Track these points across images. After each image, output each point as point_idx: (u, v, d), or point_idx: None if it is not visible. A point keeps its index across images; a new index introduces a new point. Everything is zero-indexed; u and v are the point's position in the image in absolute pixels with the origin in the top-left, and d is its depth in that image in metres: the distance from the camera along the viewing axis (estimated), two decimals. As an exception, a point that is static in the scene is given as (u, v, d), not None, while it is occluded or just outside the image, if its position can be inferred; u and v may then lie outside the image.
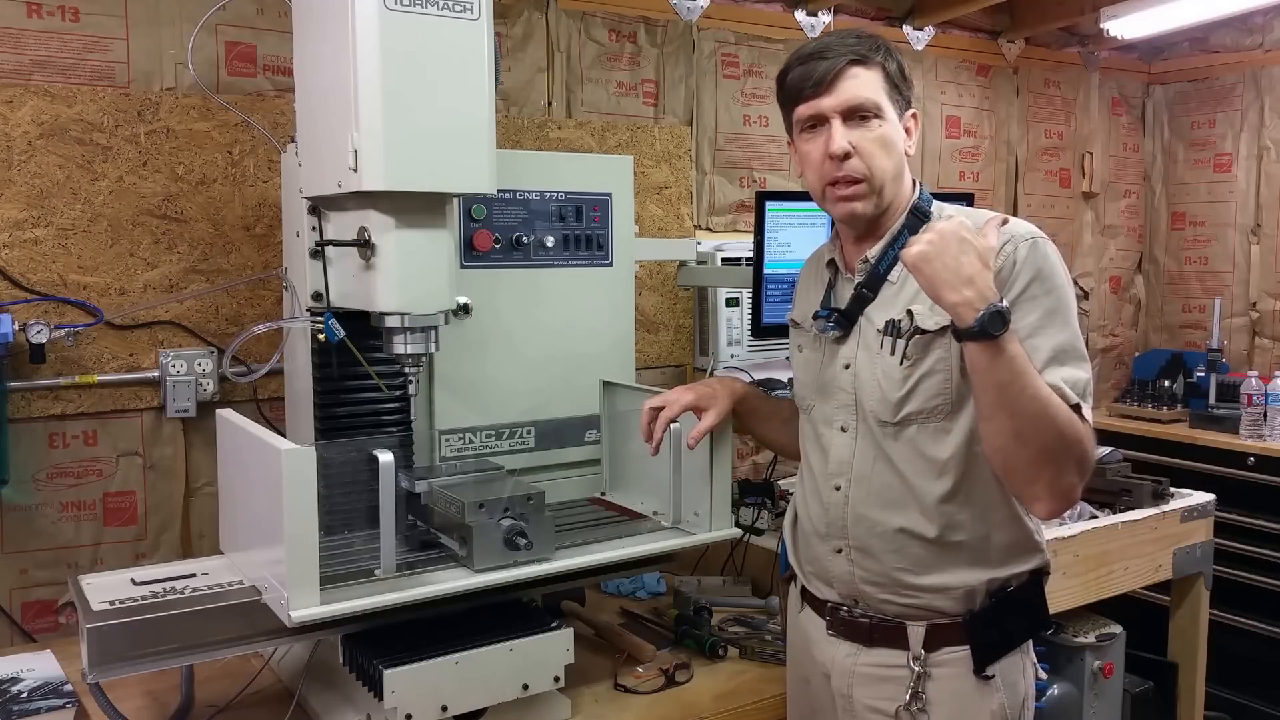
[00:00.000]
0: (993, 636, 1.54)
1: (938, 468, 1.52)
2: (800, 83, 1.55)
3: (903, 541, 1.54)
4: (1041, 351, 1.44)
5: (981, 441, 1.46)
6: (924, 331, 1.50)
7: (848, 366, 1.59)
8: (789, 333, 1.80)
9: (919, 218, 1.58)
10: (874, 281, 1.58)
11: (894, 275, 1.57)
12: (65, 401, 2.17)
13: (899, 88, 1.56)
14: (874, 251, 1.59)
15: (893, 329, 1.53)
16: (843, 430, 1.60)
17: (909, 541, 1.53)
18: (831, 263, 1.67)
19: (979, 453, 1.50)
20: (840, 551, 1.59)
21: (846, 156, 1.52)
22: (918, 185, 1.62)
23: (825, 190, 1.56)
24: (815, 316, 1.65)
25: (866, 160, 1.52)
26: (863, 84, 1.52)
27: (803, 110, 1.56)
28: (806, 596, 1.69)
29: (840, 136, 1.51)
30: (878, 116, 1.53)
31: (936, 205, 1.61)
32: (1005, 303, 1.36)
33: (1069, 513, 2.42)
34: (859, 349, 1.59)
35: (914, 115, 1.60)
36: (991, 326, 1.34)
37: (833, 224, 1.69)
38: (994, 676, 1.54)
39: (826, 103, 1.53)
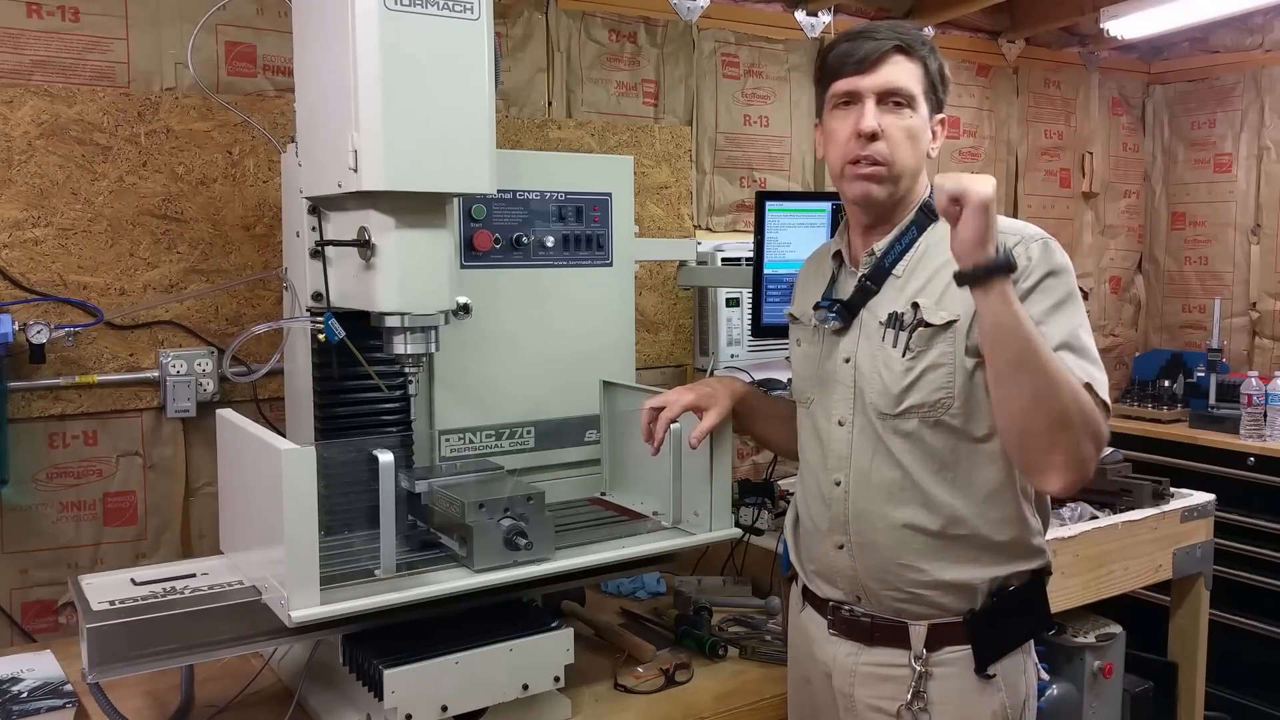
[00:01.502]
0: (994, 635, 1.54)
1: (939, 462, 1.52)
2: (843, 59, 1.55)
3: (905, 536, 1.54)
4: (1053, 338, 1.44)
5: (996, 413, 1.45)
6: (928, 325, 1.50)
7: (848, 360, 1.60)
8: (788, 329, 1.80)
9: (928, 215, 1.59)
10: (879, 274, 1.59)
11: (899, 269, 1.58)
12: (65, 401, 2.17)
13: (936, 88, 1.57)
14: (881, 245, 1.59)
15: (895, 321, 1.54)
16: (840, 424, 1.60)
17: (911, 536, 1.53)
18: (837, 254, 1.67)
19: (982, 448, 1.51)
20: (842, 547, 1.59)
21: (874, 137, 1.52)
22: (928, 184, 1.62)
23: (845, 168, 1.57)
24: (816, 307, 1.65)
25: (891, 147, 1.53)
26: (903, 71, 1.54)
27: (840, 85, 1.56)
28: (808, 596, 1.69)
29: (871, 116, 1.52)
30: (910, 106, 1.54)
31: None
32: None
33: (1069, 513, 2.42)
34: (859, 342, 1.59)
35: (942, 120, 1.61)
36: (1010, 259, 1.36)
37: (834, 224, 1.70)
38: (995, 676, 1.54)
39: (864, 82, 1.53)
